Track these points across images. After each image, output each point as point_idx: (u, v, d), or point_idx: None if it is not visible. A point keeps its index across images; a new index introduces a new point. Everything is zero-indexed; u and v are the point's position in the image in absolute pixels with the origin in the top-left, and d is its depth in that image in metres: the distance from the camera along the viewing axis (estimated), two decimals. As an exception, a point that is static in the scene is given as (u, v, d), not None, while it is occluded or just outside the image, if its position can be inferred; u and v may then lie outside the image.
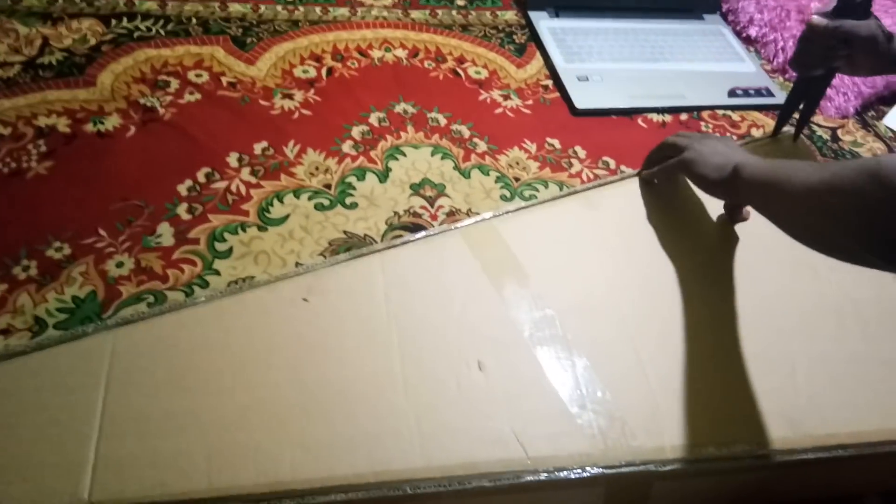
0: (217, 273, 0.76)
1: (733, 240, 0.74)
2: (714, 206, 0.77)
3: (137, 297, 0.72)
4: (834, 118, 1.18)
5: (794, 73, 0.86)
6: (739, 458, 0.57)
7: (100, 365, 0.58)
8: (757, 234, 0.74)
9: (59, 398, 0.56)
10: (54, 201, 0.79)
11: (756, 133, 1.09)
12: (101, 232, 0.77)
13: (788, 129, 0.95)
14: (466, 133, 0.99)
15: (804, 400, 0.61)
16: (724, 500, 0.63)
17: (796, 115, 0.92)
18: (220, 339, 0.61)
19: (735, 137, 1.07)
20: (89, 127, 0.87)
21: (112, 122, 0.89)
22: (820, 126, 1.15)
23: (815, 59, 0.78)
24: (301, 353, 0.61)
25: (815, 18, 0.74)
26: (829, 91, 1.18)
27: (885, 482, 0.68)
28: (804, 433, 0.59)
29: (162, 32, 1.03)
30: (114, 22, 1.02)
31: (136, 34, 1.01)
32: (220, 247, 0.78)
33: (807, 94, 0.87)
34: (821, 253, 0.53)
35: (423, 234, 0.72)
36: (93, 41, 0.99)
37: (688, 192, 0.78)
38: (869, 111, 1.22)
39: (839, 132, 1.15)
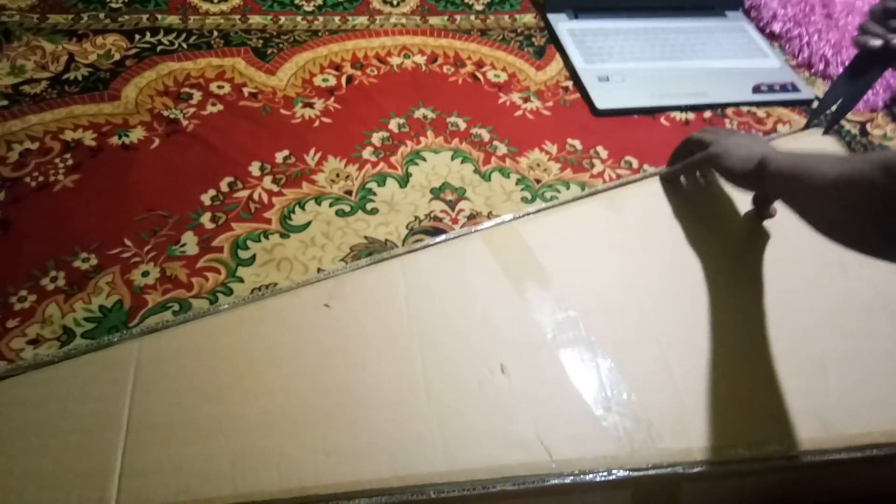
0: (241, 280, 0.76)
1: (758, 238, 0.73)
2: (738, 204, 0.76)
3: (163, 306, 0.73)
4: (862, 112, 1.15)
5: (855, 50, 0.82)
6: (769, 459, 0.56)
7: (125, 374, 0.59)
8: (782, 232, 0.73)
9: (86, 406, 0.57)
10: (81, 213, 0.80)
11: (782, 129, 1.07)
12: (127, 242, 0.78)
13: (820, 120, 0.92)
14: (486, 136, 0.99)
15: (835, 398, 0.60)
16: (754, 502, 0.62)
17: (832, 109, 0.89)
18: (242, 346, 0.61)
19: (761, 134, 1.05)
20: (114, 140, 0.89)
21: (136, 134, 0.90)
22: (849, 121, 1.13)
23: (878, 29, 0.74)
24: (322, 359, 0.61)
25: None
26: (856, 84, 1.16)
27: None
28: (836, 432, 0.57)
29: (184, 46, 1.04)
30: (137, 37, 1.04)
31: (158, 48, 1.03)
32: (243, 254, 0.79)
33: (853, 82, 0.83)
34: (846, 248, 0.52)
35: (443, 237, 0.72)
36: (117, 56, 1.00)
37: (711, 191, 0.77)
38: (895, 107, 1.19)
39: (868, 126, 1.13)
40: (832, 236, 0.54)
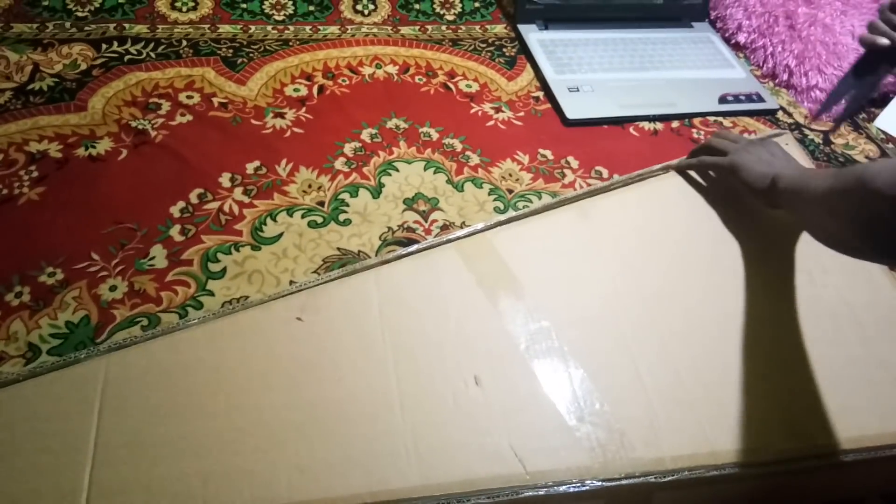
0: (211, 294, 0.75)
1: (727, 248, 0.74)
2: (708, 216, 0.77)
3: (131, 321, 0.72)
4: (825, 121, 1.18)
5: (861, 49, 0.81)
6: (740, 467, 0.56)
7: (93, 391, 0.58)
8: (751, 242, 0.74)
9: (53, 426, 0.55)
10: (47, 227, 0.79)
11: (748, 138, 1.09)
12: (94, 256, 0.77)
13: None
14: (459, 146, 0.99)
15: (803, 405, 0.61)
16: (727, 508, 0.63)
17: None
18: (213, 362, 0.61)
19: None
20: (81, 151, 0.87)
21: (104, 145, 0.89)
22: (812, 130, 1.16)
23: (885, 29, 0.75)
24: (296, 373, 0.60)
25: None
26: (819, 95, 1.19)
27: (886, 484, 0.68)
28: (804, 439, 0.58)
29: (152, 55, 1.03)
30: (104, 46, 1.03)
31: (126, 58, 1.02)
32: (213, 267, 0.78)
33: (859, 81, 0.82)
34: (841, 253, 0.57)
35: (415, 247, 0.72)
36: (83, 66, 0.99)
37: (684, 202, 0.78)
38: (860, 114, 1.22)
39: (831, 135, 1.15)
40: (827, 242, 0.59)
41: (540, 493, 0.54)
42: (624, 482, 0.55)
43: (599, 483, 0.55)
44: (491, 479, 0.54)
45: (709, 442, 0.57)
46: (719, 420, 0.59)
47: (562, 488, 0.54)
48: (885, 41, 0.75)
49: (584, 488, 0.54)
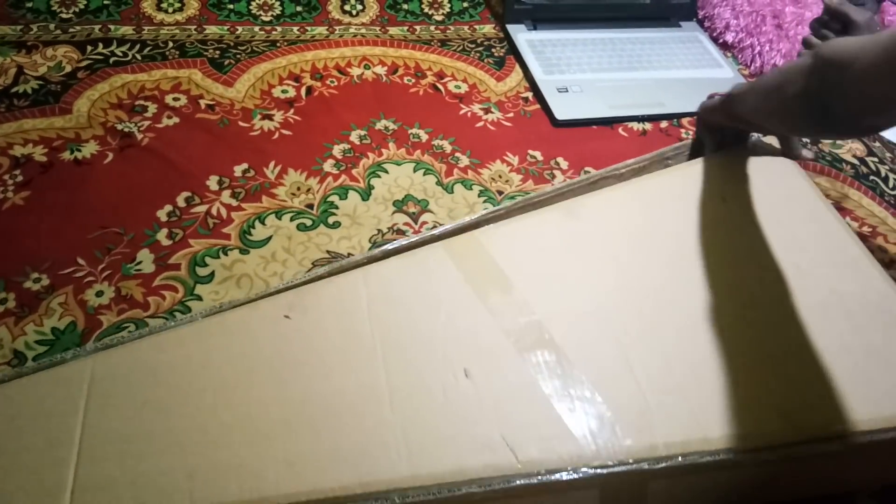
0: (199, 298, 0.75)
1: (716, 241, 0.74)
2: (696, 213, 0.77)
3: (118, 327, 0.71)
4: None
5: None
6: (733, 452, 0.56)
7: (78, 390, 0.57)
8: (740, 235, 0.74)
9: (37, 424, 0.55)
10: (31, 232, 0.78)
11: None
12: (80, 261, 0.76)
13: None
14: (448, 148, 0.99)
15: (796, 393, 0.60)
16: (723, 497, 0.62)
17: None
18: (200, 359, 0.60)
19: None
20: (66, 155, 0.87)
21: (89, 149, 0.88)
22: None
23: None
24: (284, 370, 0.60)
25: None
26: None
27: (877, 479, 0.67)
28: (798, 427, 0.58)
29: (138, 57, 1.03)
30: (89, 48, 1.02)
31: (112, 59, 1.01)
32: (201, 272, 0.77)
33: None
34: (793, 135, 0.72)
35: (404, 242, 0.72)
36: (68, 68, 0.98)
37: (673, 196, 0.78)
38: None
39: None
40: (779, 129, 0.71)
41: (533, 481, 0.53)
42: (617, 469, 0.54)
43: (592, 471, 0.54)
44: (482, 469, 0.53)
45: (701, 428, 0.57)
46: (711, 407, 0.58)
47: (554, 476, 0.53)
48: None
49: (576, 476, 0.54)
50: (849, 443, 0.57)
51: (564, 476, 0.53)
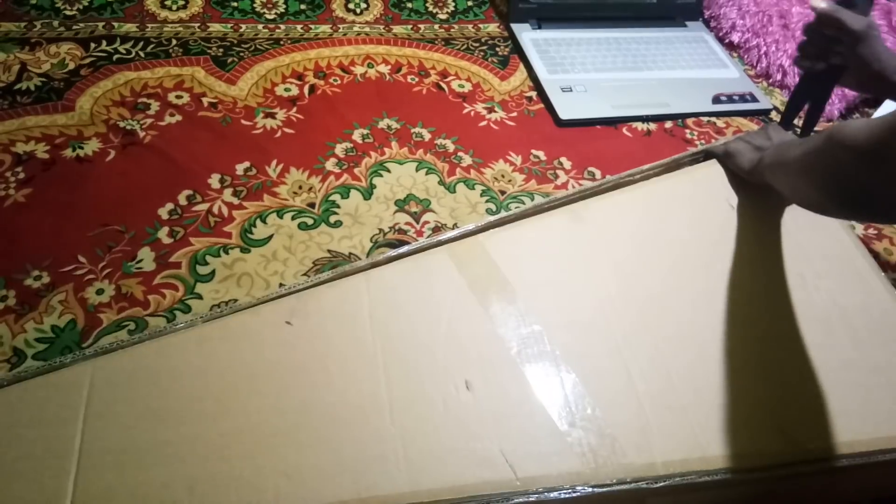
0: (199, 297, 0.75)
1: (720, 252, 0.73)
2: (702, 218, 0.77)
3: (118, 325, 0.71)
4: (819, 122, 1.18)
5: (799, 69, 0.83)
6: (733, 472, 0.56)
7: (78, 396, 0.57)
8: (744, 246, 0.74)
9: (36, 432, 0.55)
10: (33, 229, 0.78)
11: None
12: (81, 259, 0.76)
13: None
14: (451, 147, 0.99)
15: (796, 410, 0.60)
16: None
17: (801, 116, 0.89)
18: (200, 366, 0.60)
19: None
20: (68, 152, 0.86)
21: (91, 146, 0.88)
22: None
23: (815, 50, 0.77)
24: (284, 378, 0.59)
25: (816, 2, 0.74)
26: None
27: (878, 490, 0.67)
28: (796, 444, 0.58)
29: (142, 55, 1.02)
30: (93, 45, 1.02)
31: (115, 57, 1.01)
32: (202, 270, 0.77)
33: (811, 94, 0.84)
34: (823, 215, 0.62)
35: (405, 248, 0.71)
36: (71, 65, 0.98)
37: (677, 205, 0.78)
38: (854, 114, 1.22)
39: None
40: (808, 206, 0.63)
41: (531, 499, 0.53)
42: (615, 488, 0.54)
43: (591, 489, 0.54)
44: (481, 485, 0.53)
45: (701, 447, 0.57)
46: (711, 425, 0.58)
47: (553, 494, 0.54)
48: (820, 66, 0.78)
49: (574, 495, 0.54)
50: (846, 463, 0.58)
51: (563, 494, 0.53)
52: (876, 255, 0.92)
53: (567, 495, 0.54)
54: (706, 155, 0.85)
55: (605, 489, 0.54)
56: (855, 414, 0.60)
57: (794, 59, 0.81)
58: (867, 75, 0.74)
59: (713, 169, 0.82)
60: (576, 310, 0.67)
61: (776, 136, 0.79)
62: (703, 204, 0.78)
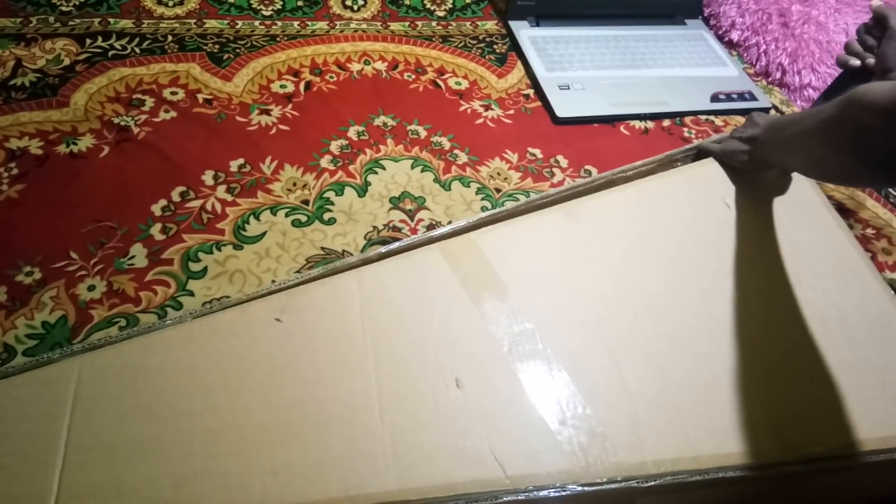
0: (191, 294, 0.74)
1: (715, 251, 0.73)
2: (698, 217, 0.76)
3: (109, 321, 0.71)
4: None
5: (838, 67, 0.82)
6: (724, 472, 0.55)
7: (65, 392, 0.56)
8: (740, 245, 0.73)
9: (23, 427, 0.54)
10: (25, 225, 0.78)
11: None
12: (73, 255, 0.76)
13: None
14: (447, 145, 0.98)
15: (789, 411, 0.60)
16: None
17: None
18: (188, 363, 0.59)
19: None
20: (62, 148, 0.86)
21: (85, 142, 0.88)
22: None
23: (861, 48, 0.78)
24: (272, 375, 0.59)
25: (875, 2, 0.75)
26: (812, 93, 1.18)
27: (873, 491, 0.67)
28: (790, 445, 0.57)
29: (137, 51, 1.02)
30: (88, 41, 1.01)
31: (110, 53, 1.00)
32: (194, 267, 0.77)
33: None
34: (836, 184, 0.64)
35: (398, 245, 0.71)
36: (67, 61, 0.97)
37: (673, 203, 0.77)
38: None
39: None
40: (820, 176, 0.63)
41: (520, 497, 0.53)
42: (605, 487, 0.54)
43: (580, 488, 0.54)
44: (470, 483, 0.53)
45: (693, 446, 0.56)
46: (704, 424, 0.58)
47: (542, 493, 0.53)
48: (856, 62, 0.77)
49: (564, 493, 0.53)
50: (841, 464, 0.57)
51: (552, 493, 0.53)
52: (873, 256, 0.91)
53: (556, 494, 0.53)
54: (699, 152, 0.85)
55: (595, 488, 0.54)
56: (850, 414, 0.59)
57: (837, 57, 0.80)
58: (879, 73, 0.74)
59: (708, 167, 0.81)
60: (568, 308, 0.67)
61: (763, 121, 0.78)
62: (698, 202, 0.77)
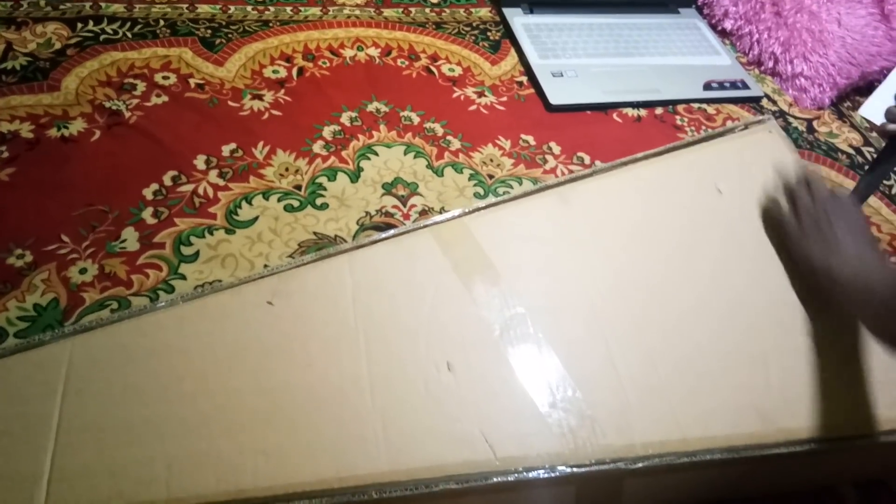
0: (183, 277, 0.74)
1: (704, 237, 0.73)
2: (690, 203, 0.76)
3: (101, 304, 0.71)
4: (810, 109, 1.18)
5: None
6: (711, 453, 0.56)
7: (56, 374, 0.56)
8: (728, 231, 0.74)
9: (14, 409, 0.54)
10: (16, 208, 0.77)
11: (731, 126, 1.08)
12: (64, 238, 0.75)
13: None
14: (440, 131, 0.98)
15: (776, 394, 0.60)
16: (697, 496, 0.62)
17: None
18: (180, 346, 0.59)
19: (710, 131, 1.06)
20: (53, 132, 0.86)
21: (76, 126, 0.87)
22: (796, 118, 1.15)
23: None
24: (264, 358, 0.59)
25: None
26: (804, 82, 1.18)
27: (859, 473, 0.68)
28: (776, 427, 0.58)
29: (129, 35, 1.01)
30: (79, 25, 1.00)
31: (102, 37, 0.99)
32: (186, 251, 0.77)
33: (881, 166, 0.79)
34: None
35: (391, 232, 0.71)
36: (58, 45, 0.97)
37: (664, 190, 0.78)
38: (844, 102, 1.22)
39: (815, 123, 1.15)
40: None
41: (509, 479, 0.53)
42: (594, 468, 0.55)
43: (570, 469, 0.54)
44: (461, 465, 0.54)
45: (680, 429, 0.57)
46: (691, 407, 0.59)
47: (531, 474, 0.54)
48: (894, 126, 0.74)
49: (553, 474, 0.54)
50: (826, 446, 0.58)
51: (542, 474, 0.54)
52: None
53: (546, 475, 0.54)
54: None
55: (583, 469, 0.55)
56: (835, 396, 0.60)
57: (879, 129, 0.76)
58: None
59: (702, 153, 0.81)
60: (559, 293, 0.67)
61: (844, 225, 0.69)
62: (690, 189, 0.78)
